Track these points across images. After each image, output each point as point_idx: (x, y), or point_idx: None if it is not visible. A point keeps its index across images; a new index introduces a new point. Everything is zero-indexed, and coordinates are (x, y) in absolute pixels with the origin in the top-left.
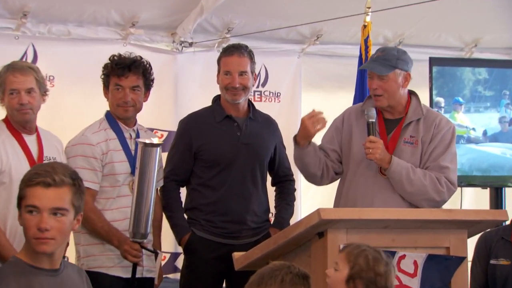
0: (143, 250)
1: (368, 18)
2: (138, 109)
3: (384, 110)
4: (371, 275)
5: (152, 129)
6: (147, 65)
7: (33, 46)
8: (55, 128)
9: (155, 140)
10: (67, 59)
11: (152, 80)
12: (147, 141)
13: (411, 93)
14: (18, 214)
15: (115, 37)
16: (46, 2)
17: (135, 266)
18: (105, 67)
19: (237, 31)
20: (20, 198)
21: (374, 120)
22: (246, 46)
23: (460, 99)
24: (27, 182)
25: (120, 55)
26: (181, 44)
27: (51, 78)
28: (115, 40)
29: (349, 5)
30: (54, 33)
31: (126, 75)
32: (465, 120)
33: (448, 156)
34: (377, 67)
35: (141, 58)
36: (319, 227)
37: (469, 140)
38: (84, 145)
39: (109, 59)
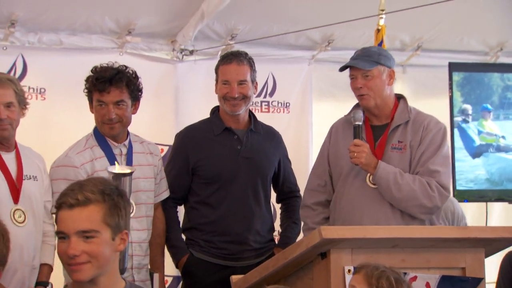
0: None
1: (382, 22)
2: (126, 124)
3: (371, 115)
4: None
5: None
6: (132, 75)
7: (22, 57)
8: (46, 145)
9: (119, 169)
10: (59, 70)
11: (140, 90)
12: (116, 170)
13: (400, 98)
14: None
15: (111, 45)
16: (35, 10)
17: None
18: (87, 80)
19: (241, 37)
20: None
21: (360, 123)
22: (246, 53)
23: (489, 106)
24: (55, 204)
25: (101, 66)
26: (181, 52)
27: (42, 90)
28: (110, 49)
29: (363, 7)
30: (44, 43)
31: (108, 90)
32: (494, 127)
33: (439, 159)
34: (360, 63)
35: (126, 67)
36: (321, 247)
37: (499, 149)
38: (67, 167)
39: (91, 71)
